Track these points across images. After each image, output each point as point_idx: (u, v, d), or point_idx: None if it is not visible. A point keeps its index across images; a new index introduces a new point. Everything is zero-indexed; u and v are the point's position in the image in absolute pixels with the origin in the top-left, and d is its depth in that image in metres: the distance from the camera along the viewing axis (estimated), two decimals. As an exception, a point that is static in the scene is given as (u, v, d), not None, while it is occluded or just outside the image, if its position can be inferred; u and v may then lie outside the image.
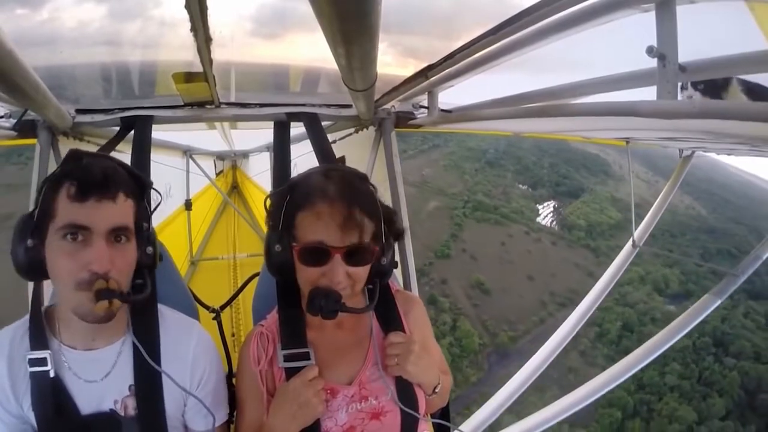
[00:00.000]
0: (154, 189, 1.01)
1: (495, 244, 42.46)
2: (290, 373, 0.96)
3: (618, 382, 2.66)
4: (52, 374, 0.91)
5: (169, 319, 1.04)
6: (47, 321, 0.95)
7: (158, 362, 0.95)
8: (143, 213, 0.95)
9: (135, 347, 0.95)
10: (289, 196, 0.94)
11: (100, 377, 0.94)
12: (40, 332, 0.93)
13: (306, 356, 0.98)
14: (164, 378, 0.96)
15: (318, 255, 0.89)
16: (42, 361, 0.91)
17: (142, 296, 0.92)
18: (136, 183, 0.94)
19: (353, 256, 0.90)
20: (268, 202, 1.01)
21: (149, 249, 0.96)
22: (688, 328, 2.62)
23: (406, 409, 0.97)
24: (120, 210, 0.86)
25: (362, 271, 0.93)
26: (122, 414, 0.94)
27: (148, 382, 0.95)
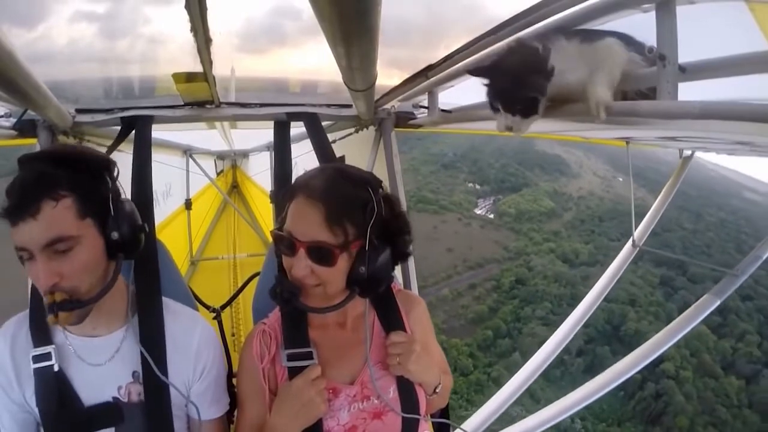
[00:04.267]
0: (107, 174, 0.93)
1: (428, 227, 48.81)
2: (293, 372, 0.96)
3: (617, 383, 2.65)
4: (56, 368, 0.93)
5: (174, 310, 1.06)
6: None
7: (163, 352, 0.98)
8: (96, 200, 0.88)
9: (140, 334, 0.97)
10: (294, 182, 0.97)
11: (104, 360, 0.96)
12: (42, 327, 0.95)
13: (309, 356, 0.98)
14: (169, 366, 0.98)
15: (284, 244, 0.91)
16: (46, 356, 0.93)
17: (93, 299, 0.88)
18: (84, 168, 0.88)
19: (315, 254, 0.88)
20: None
21: (114, 234, 0.89)
22: (688, 329, 2.62)
23: (404, 415, 0.97)
24: (48, 222, 0.81)
25: (328, 272, 0.89)
26: (125, 400, 0.97)
27: (152, 370, 0.96)
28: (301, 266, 0.88)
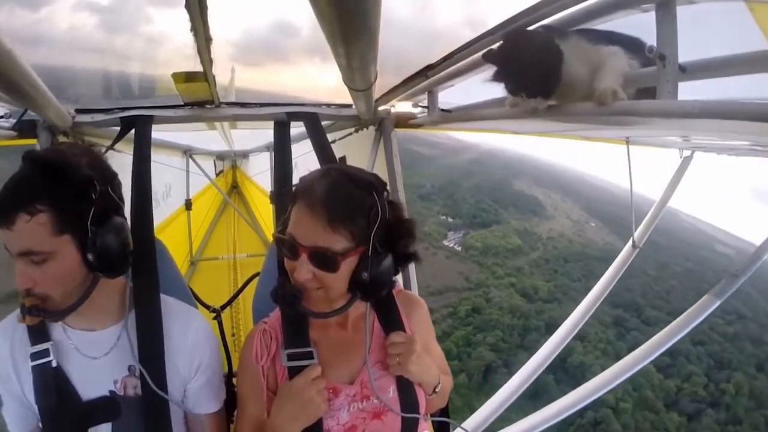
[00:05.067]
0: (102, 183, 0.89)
1: (396, 255, 52.01)
2: (293, 372, 0.96)
3: (617, 383, 2.65)
4: (54, 364, 0.94)
5: (171, 307, 1.07)
6: None
7: (161, 347, 0.99)
8: (75, 217, 0.85)
9: (137, 330, 0.99)
10: (298, 185, 0.95)
11: (101, 354, 0.97)
12: (39, 324, 0.95)
13: (309, 355, 0.98)
14: (167, 361, 0.99)
15: (287, 248, 0.90)
16: (44, 353, 0.94)
17: (63, 311, 0.88)
18: (68, 183, 0.85)
19: (318, 259, 0.87)
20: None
21: (89, 256, 0.87)
22: (688, 329, 2.61)
23: (402, 414, 0.97)
24: (21, 235, 0.81)
25: (331, 278, 0.88)
26: (122, 394, 0.98)
27: (152, 364, 0.98)
28: (303, 271, 0.87)
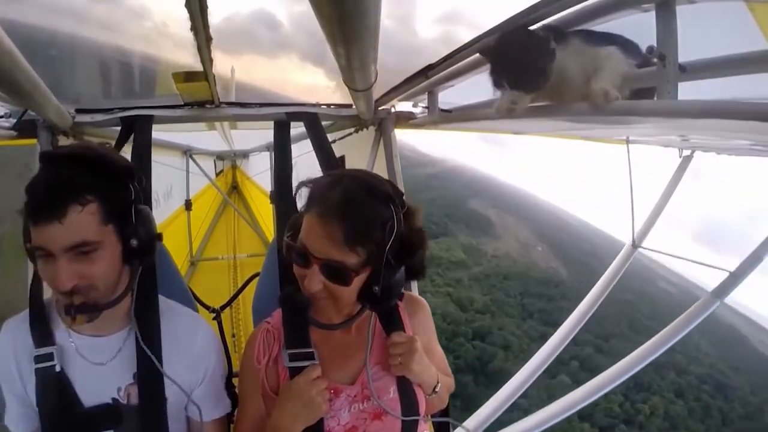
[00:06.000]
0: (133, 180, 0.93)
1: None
2: (294, 372, 0.96)
3: (617, 383, 2.65)
4: (57, 368, 0.93)
5: (175, 312, 1.06)
6: (57, 308, 0.95)
7: (159, 354, 0.98)
8: (119, 206, 0.88)
9: (140, 335, 0.97)
10: (311, 190, 0.93)
11: (106, 360, 0.96)
12: (44, 327, 0.95)
13: (310, 356, 0.98)
14: (166, 369, 0.98)
15: (299, 257, 0.88)
16: (48, 357, 0.93)
17: (109, 303, 0.89)
18: (109, 174, 0.88)
19: (330, 272, 0.85)
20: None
21: (133, 242, 0.90)
22: (688, 329, 2.61)
23: (403, 418, 0.97)
24: (73, 227, 0.81)
25: (341, 290, 0.87)
26: (125, 402, 0.97)
27: (149, 372, 0.97)
28: (314, 281, 0.86)
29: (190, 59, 1.29)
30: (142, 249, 0.91)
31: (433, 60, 1.40)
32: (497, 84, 0.99)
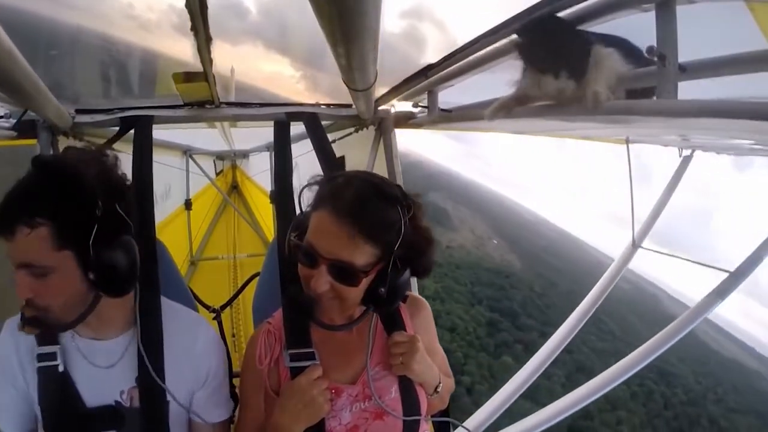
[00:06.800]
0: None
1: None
2: (295, 372, 0.96)
3: (617, 383, 2.65)
4: (61, 368, 0.93)
5: (177, 315, 1.06)
6: None
7: (161, 358, 0.97)
8: (77, 232, 0.81)
9: (141, 339, 0.97)
10: (319, 190, 0.93)
11: (109, 364, 0.96)
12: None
13: (311, 356, 0.98)
14: (168, 372, 0.97)
15: (307, 257, 0.88)
16: (51, 356, 0.93)
17: (64, 326, 0.87)
18: (80, 198, 0.81)
19: (338, 272, 0.85)
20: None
21: (90, 275, 0.83)
22: (689, 329, 2.61)
23: (404, 418, 0.97)
24: (19, 248, 0.79)
25: (348, 291, 0.87)
26: (128, 405, 0.97)
27: (150, 377, 0.96)
28: (321, 281, 0.86)
29: (189, 58, 1.28)
30: (104, 282, 0.85)
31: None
32: (536, 65, 0.91)
